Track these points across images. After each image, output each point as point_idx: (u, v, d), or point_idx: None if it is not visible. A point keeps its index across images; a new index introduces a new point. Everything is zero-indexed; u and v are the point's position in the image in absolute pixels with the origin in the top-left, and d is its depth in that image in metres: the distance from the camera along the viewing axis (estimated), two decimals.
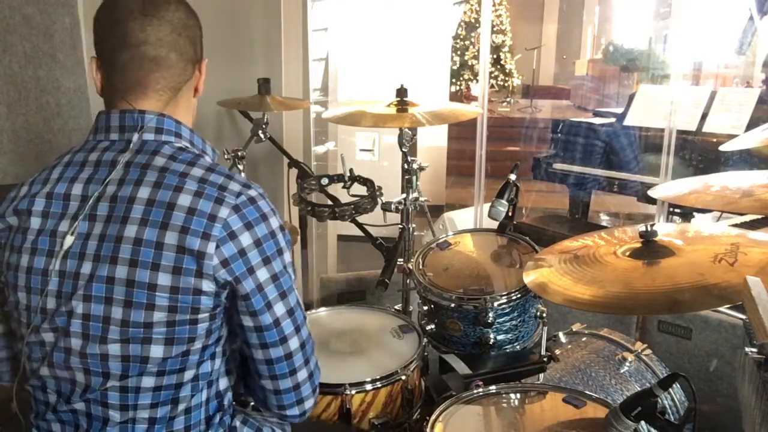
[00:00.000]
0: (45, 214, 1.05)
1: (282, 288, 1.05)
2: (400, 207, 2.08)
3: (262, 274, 1.02)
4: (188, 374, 1.04)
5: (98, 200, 1.02)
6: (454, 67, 9.28)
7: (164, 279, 0.97)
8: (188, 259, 0.97)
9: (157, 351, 1.00)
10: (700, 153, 3.37)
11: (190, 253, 0.97)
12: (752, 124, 3.06)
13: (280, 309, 1.05)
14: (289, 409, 1.14)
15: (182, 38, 1.07)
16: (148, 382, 1.02)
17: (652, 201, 3.33)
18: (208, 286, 0.99)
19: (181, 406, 1.05)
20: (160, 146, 1.05)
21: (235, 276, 1.00)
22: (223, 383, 1.12)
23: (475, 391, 1.43)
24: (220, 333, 1.07)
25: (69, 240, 1.01)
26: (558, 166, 3.98)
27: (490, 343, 1.74)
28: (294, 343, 1.09)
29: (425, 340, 1.77)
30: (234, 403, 1.19)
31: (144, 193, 1.00)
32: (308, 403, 1.15)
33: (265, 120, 2.43)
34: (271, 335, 1.06)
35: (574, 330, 1.96)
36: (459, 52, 9.69)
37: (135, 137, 1.05)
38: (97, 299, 0.99)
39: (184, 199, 0.99)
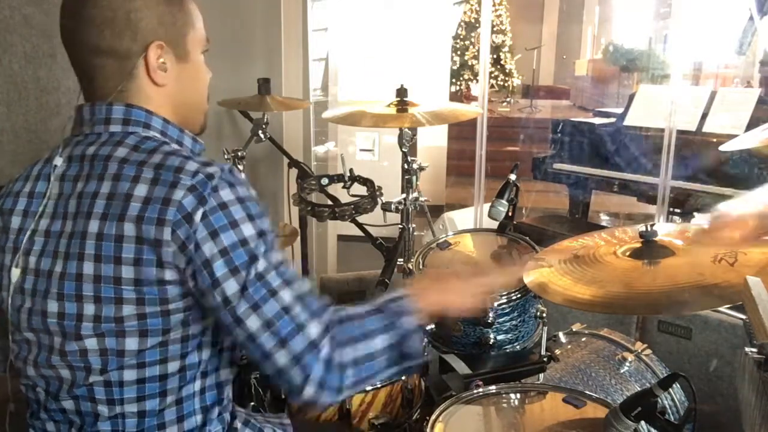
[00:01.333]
0: (25, 213, 1.05)
1: (234, 263, 0.95)
2: (400, 207, 2.07)
3: (208, 249, 0.94)
4: (172, 366, 1.01)
5: (69, 198, 1.01)
6: (454, 67, 9.29)
7: (127, 272, 0.95)
8: (147, 250, 0.94)
9: (131, 344, 0.98)
10: (700, 153, 3.37)
11: (148, 242, 0.94)
12: (752, 124, 3.06)
13: (231, 286, 0.94)
14: (293, 397, 1.01)
15: (105, 37, 0.99)
16: (129, 375, 1.00)
17: (652, 201, 3.33)
18: (170, 275, 0.95)
19: (170, 398, 1.03)
20: (125, 137, 1.03)
21: (190, 256, 0.94)
22: (224, 375, 1.10)
23: (475, 391, 1.43)
24: (202, 323, 1.02)
25: (38, 242, 1.02)
26: (558, 166, 3.98)
27: (490, 343, 1.74)
28: (253, 323, 0.95)
29: (425, 340, 1.77)
30: (235, 404, 1.18)
31: (106, 187, 0.98)
32: (308, 391, 0.97)
33: (265, 120, 2.43)
34: (225, 316, 0.96)
35: (574, 330, 1.96)
36: (459, 52, 9.70)
37: (102, 130, 1.04)
38: (69, 297, 0.98)
39: (141, 189, 0.96)
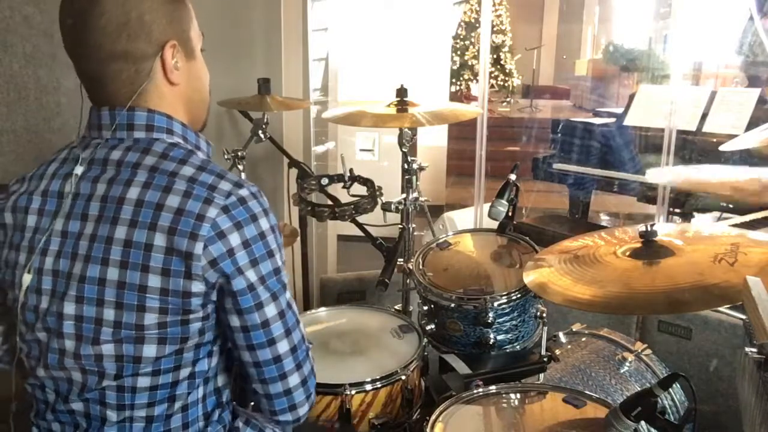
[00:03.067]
0: (41, 212, 1.05)
1: (272, 290, 1.03)
2: (400, 207, 2.07)
3: (251, 275, 1.00)
4: (184, 372, 1.03)
5: (89, 199, 1.01)
6: (454, 67, 9.27)
7: (154, 281, 0.96)
8: (176, 261, 0.96)
9: (149, 351, 0.99)
10: (700, 153, 3.37)
11: (179, 254, 0.96)
12: (752, 124, 3.06)
13: (270, 310, 1.03)
14: (282, 415, 1.11)
15: (120, 41, 0.99)
16: (143, 382, 1.01)
17: (652, 201, 3.33)
18: (197, 287, 0.98)
19: (178, 404, 1.05)
20: (151, 143, 1.03)
21: (225, 274, 0.98)
22: (222, 380, 1.12)
23: (475, 391, 1.43)
24: (215, 331, 1.06)
25: (54, 242, 1.02)
26: (558, 166, 3.98)
27: (490, 343, 1.74)
28: (283, 346, 1.06)
29: (425, 340, 1.77)
30: (235, 402, 1.19)
31: (133, 193, 0.98)
32: (302, 410, 1.12)
33: (265, 120, 2.43)
34: (258, 336, 1.04)
35: (574, 330, 1.96)
36: (459, 52, 9.68)
37: (126, 136, 1.04)
38: (89, 301, 0.98)
39: (173, 200, 0.97)
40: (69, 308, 0.99)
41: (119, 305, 0.97)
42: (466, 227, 2.95)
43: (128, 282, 0.96)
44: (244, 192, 1.00)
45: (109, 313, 0.98)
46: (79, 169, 1.04)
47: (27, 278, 1.03)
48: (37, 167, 1.11)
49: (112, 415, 1.03)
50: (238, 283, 0.99)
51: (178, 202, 0.97)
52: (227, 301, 1.01)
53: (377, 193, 1.98)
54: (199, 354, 1.04)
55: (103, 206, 1.00)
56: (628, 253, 1.44)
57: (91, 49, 1.00)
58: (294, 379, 1.09)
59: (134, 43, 1.00)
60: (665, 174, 1.80)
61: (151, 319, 0.97)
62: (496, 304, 1.71)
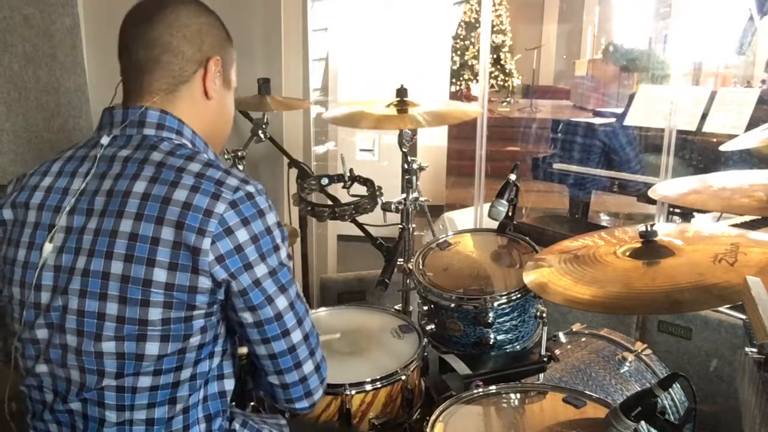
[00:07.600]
0: (41, 206, 1.05)
1: (281, 282, 1.05)
2: (400, 207, 2.08)
3: (260, 270, 1.02)
4: (185, 373, 1.03)
5: (95, 194, 1.02)
6: (454, 67, 9.28)
7: (159, 275, 0.96)
8: (184, 255, 0.96)
9: (152, 348, 0.99)
10: (700, 153, 3.37)
11: (186, 248, 0.96)
12: (752, 124, 3.06)
13: (281, 302, 1.05)
14: (298, 402, 1.15)
15: (177, 38, 1.07)
16: (144, 381, 1.01)
17: (652, 201, 3.33)
18: (203, 282, 0.98)
19: (179, 406, 1.04)
20: (159, 142, 1.05)
21: (230, 272, 0.99)
22: (228, 384, 1.12)
23: (475, 391, 1.43)
24: (217, 331, 1.06)
25: (58, 237, 1.02)
26: (558, 166, 3.98)
27: (490, 343, 1.74)
28: (296, 336, 1.09)
29: (425, 340, 1.77)
30: (233, 404, 1.18)
31: (140, 187, 0.99)
32: (317, 395, 1.16)
33: (265, 120, 2.43)
34: (272, 329, 1.06)
35: (574, 330, 1.96)
36: (459, 52, 9.69)
37: (135, 132, 1.06)
38: (92, 295, 0.98)
39: (180, 194, 0.98)
40: (72, 302, 0.99)
41: (123, 299, 0.97)
42: (466, 227, 2.95)
43: (133, 276, 0.97)
44: (251, 188, 1.03)
45: (112, 308, 0.98)
46: (86, 166, 1.05)
47: (27, 273, 1.03)
48: (39, 165, 1.11)
49: (111, 416, 1.02)
50: (245, 279, 1.01)
51: (186, 196, 0.98)
52: (237, 300, 1.02)
53: (377, 193, 1.98)
54: (201, 354, 1.04)
55: (107, 200, 1.00)
56: (628, 253, 1.44)
57: (151, 39, 1.06)
58: (308, 366, 1.12)
59: (189, 44, 1.09)
60: (673, 187, 1.78)
61: (155, 314, 0.97)
62: (496, 304, 1.71)
